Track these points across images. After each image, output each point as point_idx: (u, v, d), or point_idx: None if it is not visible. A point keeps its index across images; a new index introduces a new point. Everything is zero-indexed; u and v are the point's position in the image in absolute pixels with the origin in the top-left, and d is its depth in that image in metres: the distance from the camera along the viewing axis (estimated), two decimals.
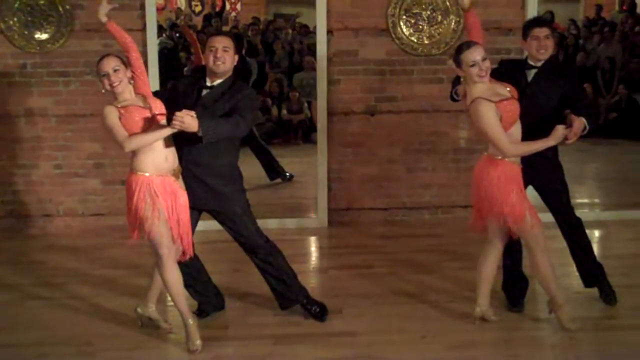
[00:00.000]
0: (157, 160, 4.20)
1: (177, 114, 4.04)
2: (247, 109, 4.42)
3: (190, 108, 4.15)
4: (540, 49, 4.70)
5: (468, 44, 4.38)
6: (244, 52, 10.01)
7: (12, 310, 5.10)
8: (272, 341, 4.58)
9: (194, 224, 4.53)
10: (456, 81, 4.78)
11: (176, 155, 4.31)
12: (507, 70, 4.79)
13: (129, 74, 4.25)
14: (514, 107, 4.34)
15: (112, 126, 4.12)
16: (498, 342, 4.56)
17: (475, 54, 4.31)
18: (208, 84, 4.49)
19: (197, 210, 4.56)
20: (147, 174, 4.18)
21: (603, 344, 4.55)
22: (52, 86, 6.68)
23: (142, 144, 4.12)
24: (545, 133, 4.33)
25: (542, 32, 4.71)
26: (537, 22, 4.85)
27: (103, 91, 4.26)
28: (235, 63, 4.51)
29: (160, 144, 4.19)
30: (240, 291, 5.18)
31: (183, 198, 4.32)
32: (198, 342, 4.39)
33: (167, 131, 4.11)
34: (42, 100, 6.70)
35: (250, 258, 4.78)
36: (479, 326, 4.69)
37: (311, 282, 5.75)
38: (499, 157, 4.36)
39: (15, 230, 6.80)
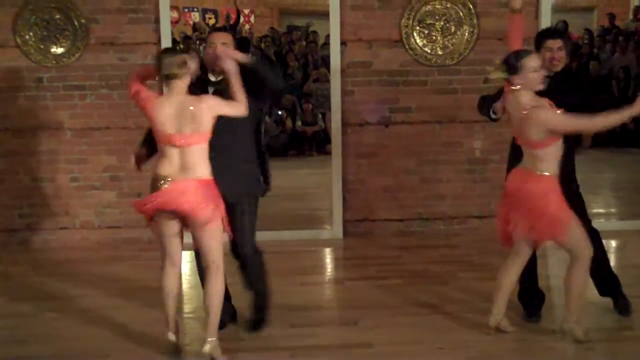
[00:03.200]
0: None
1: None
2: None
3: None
4: (553, 61, 4.66)
5: (526, 51, 4.32)
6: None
7: (29, 322, 5.11)
8: (288, 353, 4.57)
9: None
10: (488, 99, 4.73)
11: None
12: None
13: None
14: None
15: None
16: (515, 353, 4.53)
17: (537, 60, 4.27)
18: (213, 79, 4.51)
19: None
20: None
21: (619, 355, 4.51)
22: (68, 100, 6.73)
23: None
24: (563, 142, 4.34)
25: (555, 43, 4.68)
26: (551, 33, 4.81)
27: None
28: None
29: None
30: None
31: None
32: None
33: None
34: (58, 114, 6.74)
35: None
36: (495, 337, 4.65)
37: (327, 294, 5.76)
38: (539, 172, 4.29)
39: (31, 242, 6.84)
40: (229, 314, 4.89)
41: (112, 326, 4.99)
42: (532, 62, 4.24)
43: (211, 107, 4.15)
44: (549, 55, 4.67)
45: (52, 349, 4.68)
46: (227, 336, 4.75)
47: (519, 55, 4.28)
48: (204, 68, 4.49)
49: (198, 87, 4.38)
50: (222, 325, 4.74)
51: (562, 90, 4.63)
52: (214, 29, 4.67)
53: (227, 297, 4.88)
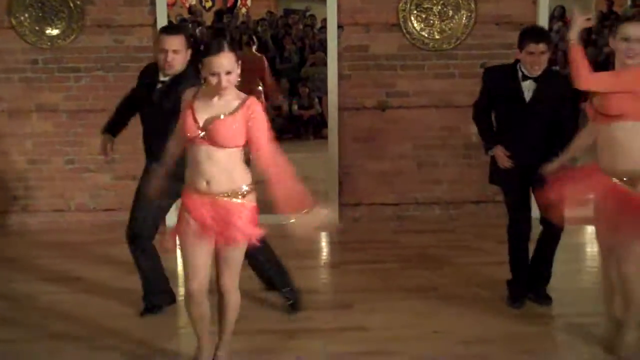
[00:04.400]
0: None
1: None
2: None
3: (140, 104, 4.60)
4: (534, 65, 4.56)
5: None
6: (254, 48, 10.01)
7: (24, 304, 5.11)
8: (283, 336, 4.57)
9: None
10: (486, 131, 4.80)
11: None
12: (497, 79, 4.77)
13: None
14: None
15: None
16: (511, 337, 4.53)
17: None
18: (161, 78, 4.54)
19: None
20: None
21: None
22: (63, 82, 6.70)
23: None
24: (546, 140, 4.43)
25: (538, 48, 4.51)
26: (535, 36, 4.56)
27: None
28: (187, 59, 4.51)
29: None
30: (252, 287, 5.17)
31: None
32: None
33: None
34: (53, 96, 6.71)
35: None
36: (491, 321, 4.66)
37: (322, 278, 5.76)
38: None
39: (27, 225, 6.83)
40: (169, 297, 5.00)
41: (106, 308, 4.99)
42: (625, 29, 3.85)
43: None
44: (530, 59, 4.54)
45: (47, 331, 4.68)
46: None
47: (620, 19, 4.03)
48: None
49: (149, 84, 4.57)
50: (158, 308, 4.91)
51: (549, 89, 4.61)
52: (164, 29, 4.29)
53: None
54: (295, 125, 11.21)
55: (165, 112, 4.23)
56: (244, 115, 3.66)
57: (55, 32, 6.61)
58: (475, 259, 5.65)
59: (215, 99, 3.68)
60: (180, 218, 3.86)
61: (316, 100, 11.37)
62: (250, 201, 3.82)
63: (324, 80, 8.52)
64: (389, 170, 6.92)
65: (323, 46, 9.74)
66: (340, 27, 6.72)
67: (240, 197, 3.76)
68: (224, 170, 3.71)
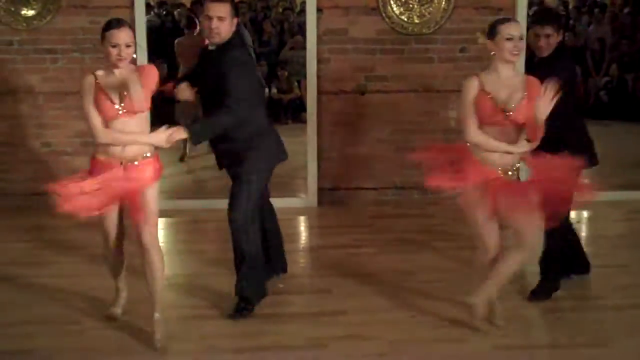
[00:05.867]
0: None
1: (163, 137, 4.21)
2: (233, 87, 4.35)
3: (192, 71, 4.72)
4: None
5: (507, 18, 4.33)
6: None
7: (0, 288, 5.07)
8: (263, 320, 4.57)
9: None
10: None
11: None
12: None
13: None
14: None
15: None
16: (488, 322, 4.55)
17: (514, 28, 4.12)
18: (210, 47, 4.55)
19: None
20: None
21: (593, 323, 4.57)
22: (39, 63, 6.62)
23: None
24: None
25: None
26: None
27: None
28: (234, 28, 4.48)
29: None
30: (230, 270, 5.15)
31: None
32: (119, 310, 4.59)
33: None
34: (29, 78, 6.63)
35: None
36: (469, 307, 4.68)
37: (301, 262, 5.76)
38: None
39: (2, 208, 6.75)
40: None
41: (84, 293, 4.96)
42: (508, 28, 4.08)
43: None
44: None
45: (24, 315, 4.65)
46: (199, 303, 4.76)
47: (498, 20, 4.22)
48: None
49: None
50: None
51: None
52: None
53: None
54: (274, 109, 11.15)
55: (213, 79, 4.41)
56: (148, 83, 4.07)
57: (30, 12, 6.52)
58: (454, 244, 5.67)
59: (117, 73, 4.07)
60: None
61: (295, 84, 11.32)
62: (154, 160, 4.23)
63: (303, 64, 8.48)
64: (368, 154, 6.92)
65: (302, 29, 9.69)
66: (319, 10, 6.69)
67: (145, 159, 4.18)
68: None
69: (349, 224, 6.42)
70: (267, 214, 5.00)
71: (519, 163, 4.24)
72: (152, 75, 4.15)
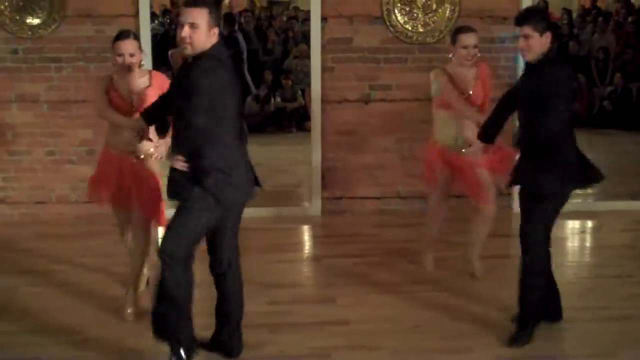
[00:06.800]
0: None
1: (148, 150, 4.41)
2: (195, 94, 3.72)
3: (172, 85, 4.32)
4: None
5: (466, 27, 5.04)
6: (236, 26, 9.95)
7: (4, 297, 5.07)
8: (266, 330, 4.56)
9: None
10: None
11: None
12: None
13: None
14: None
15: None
16: (488, 333, 4.53)
17: (470, 39, 4.99)
18: (188, 60, 3.91)
19: None
20: None
21: (598, 333, 4.55)
22: (44, 72, 6.63)
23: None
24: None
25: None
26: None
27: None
28: (213, 39, 3.81)
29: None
30: None
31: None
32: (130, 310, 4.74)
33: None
34: (34, 86, 6.64)
35: None
36: (473, 317, 4.67)
37: (304, 271, 5.76)
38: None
39: (7, 216, 6.76)
40: None
41: (88, 301, 4.96)
42: (465, 39, 4.93)
43: None
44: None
45: (28, 324, 4.65)
46: (203, 312, 4.74)
47: (458, 29, 5.09)
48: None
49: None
50: None
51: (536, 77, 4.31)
52: (186, 2, 4.06)
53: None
54: (278, 117, 11.17)
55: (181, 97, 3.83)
56: (158, 84, 4.59)
57: (36, 21, 6.54)
58: (458, 253, 5.65)
59: (129, 76, 4.54)
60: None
61: (299, 92, 11.34)
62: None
63: (307, 73, 8.51)
64: (372, 163, 6.92)
65: (306, 38, 9.73)
66: (324, 19, 6.70)
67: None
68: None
69: (353, 233, 6.41)
70: (231, 276, 4.18)
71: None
72: (163, 80, 4.64)
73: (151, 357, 4.25)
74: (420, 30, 6.74)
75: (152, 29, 8.55)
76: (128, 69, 4.54)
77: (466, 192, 5.26)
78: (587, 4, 14.14)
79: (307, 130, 8.22)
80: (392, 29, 6.72)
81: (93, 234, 6.32)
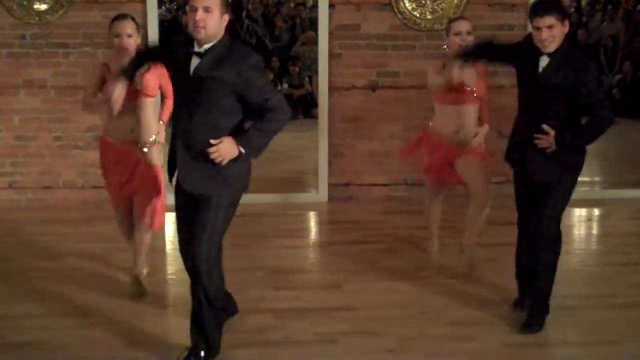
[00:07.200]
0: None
1: (212, 149, 3.70)
2: (267, 89, 3.82)
3: (184, 82, 3.81)
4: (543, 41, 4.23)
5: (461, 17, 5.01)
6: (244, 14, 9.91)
7: (11, 282, 5.09)
8: (272, 316, 4.58)
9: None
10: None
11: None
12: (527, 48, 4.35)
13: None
14: None
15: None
16: (495, 319, 4.55)
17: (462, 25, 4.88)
18: (196, 49, 3.78)
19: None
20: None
21: (604, 321, 4.56)
22: (52, 57, 6.63)
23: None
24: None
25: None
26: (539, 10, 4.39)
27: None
28: (225, 24, 3.79)
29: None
30: (240, 265, 5.17)
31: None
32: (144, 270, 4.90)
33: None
34: (41, 72, 6.64)
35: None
36: (479, 303, 4.67)
37: (311, 257, 5.77)
38: None
39: (14, 202, 6.78)
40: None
41: (94, 286, 4.98)
42: (457, 26, 4.86)
43: None
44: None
45: (36, 308, 4.67)
46: None
47: (451, 19, 5.06)
48: (189, 39, 3.83)
49: (183, 56, 3.83)
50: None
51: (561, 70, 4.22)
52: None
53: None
54: None
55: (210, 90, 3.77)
56: (157, 70, 4.48)
57: (43, 7, 6.53)
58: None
59: (126, 61, 4.40)
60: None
61: (306, 79, 11.32)
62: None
63: (314, 60, 8.49)
64: (379, 150, 6.91)
65: (314, 25, 9.70)
66: (331, 5, 6.68)
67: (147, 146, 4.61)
68: (144, 120, 4.58)
69: (359, 220, 6.42)
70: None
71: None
72: (160, 67, 4.43)
73: (157, 340, 4.27)
74: (429, 17, 6.71)
75: (159, 15, 8.54)
76: (124, 51, 4.48)
77: (460, 179, 5.19)
78: None
79: (314, 117, 8.21)
80: (400, 15, 6.69)
81: (100, 219, 6.32)
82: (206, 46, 3.75)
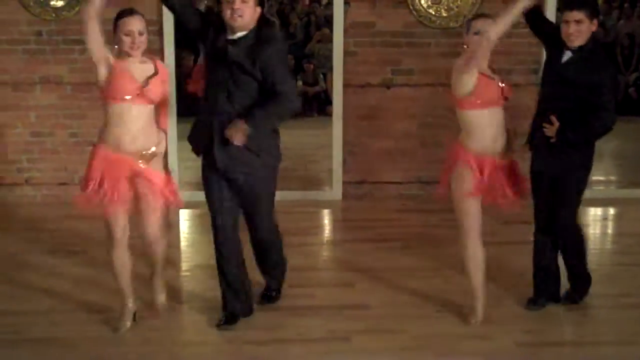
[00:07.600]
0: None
1: (227, 132, 3.98)
2: (284, 74, 4.13)
3: (220, 66, 4.07)
4: (569, 36, 4.23)
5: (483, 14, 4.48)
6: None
7: (25, 277, 5.12)
8: (285, 313, 4.58)
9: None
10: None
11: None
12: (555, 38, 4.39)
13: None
14: None
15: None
16: (512, 317, 4.54)
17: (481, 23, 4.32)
18: (230, 37, 4.07)
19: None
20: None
21: (618, 321, 4.54)
22: (68, 54, 6.65)
23: None
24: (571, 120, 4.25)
25: (572, 16, 4.23)
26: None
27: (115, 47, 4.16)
28: (257, 15, 4.08)
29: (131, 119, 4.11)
30: (254, 262, 5.16)
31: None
32: (128, 323, 4.37)
33: None
34: (58, 68, 6.68)
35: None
36: (493, 302, 4.65)
37: (324, 255, 5.78)
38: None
39: (30, 197, 6.82)
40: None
41: (109, 282, 4.99)
42: (476, 23, 4.29)
43: None
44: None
45: (48, 304, 4.71)
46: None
47: (471, 18, 4.53)
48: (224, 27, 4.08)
49: (221, 42, 4.09)
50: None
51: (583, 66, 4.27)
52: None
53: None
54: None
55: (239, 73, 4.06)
56: (162, 74, 4.18)
57: (60, 3, 6.56)
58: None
59: (132, 59, 4.10)
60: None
61: (321, 76, 11.31)
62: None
63: (329, 57, 8.48)
64: (393, 148, 6.90)
65: (329, 22, 9.69)
66: (346, 3, 6.67)
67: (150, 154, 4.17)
68: (146, 127, 4.14)
69: (374, 218, 6.41)
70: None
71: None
72: (166, 72, 4.28)
73: (170, 336, 4.27)
74: (444, 14, 6.69)
75: None
76: (136, 51, 4.07)
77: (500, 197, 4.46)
78: None
79: (329, 114, 8.20)
80: (415, 13, 6.67)
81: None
82: (239, 34, 4.06)
